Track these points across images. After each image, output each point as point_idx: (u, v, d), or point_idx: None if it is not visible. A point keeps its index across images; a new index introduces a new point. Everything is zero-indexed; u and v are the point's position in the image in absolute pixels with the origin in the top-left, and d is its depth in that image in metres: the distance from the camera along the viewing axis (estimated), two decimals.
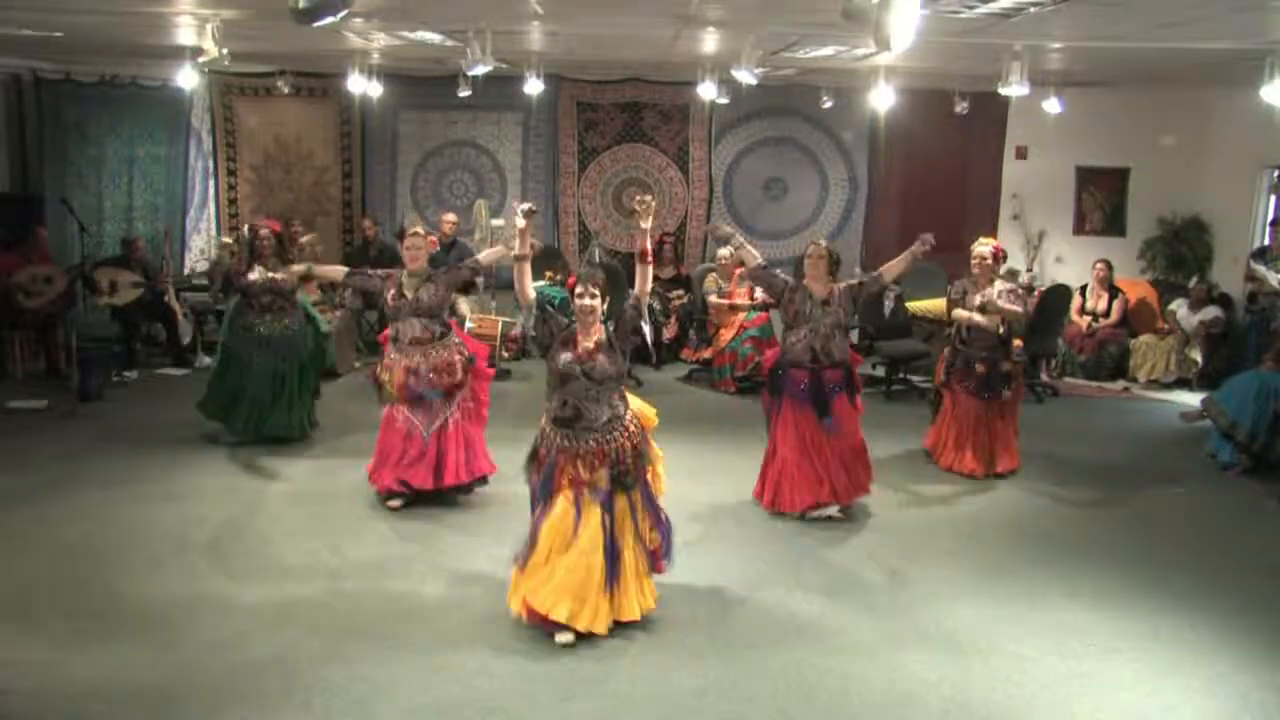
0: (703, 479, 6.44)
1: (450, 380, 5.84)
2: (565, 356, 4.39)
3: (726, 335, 9.34)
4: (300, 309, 7.24)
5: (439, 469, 5.79)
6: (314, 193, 11.22)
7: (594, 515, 4.31)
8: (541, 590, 4.28)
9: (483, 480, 5.98)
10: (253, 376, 6.99)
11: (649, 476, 4.50)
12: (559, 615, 4.23)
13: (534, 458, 4.51)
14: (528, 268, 4.70)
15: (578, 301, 4.41)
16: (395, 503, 5.84)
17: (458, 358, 5.91)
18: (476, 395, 6.03)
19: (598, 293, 4.40)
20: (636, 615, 4.40)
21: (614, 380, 4.41)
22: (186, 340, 9.86)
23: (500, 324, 9.53)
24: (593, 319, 4.41)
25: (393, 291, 5.88)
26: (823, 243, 5.89)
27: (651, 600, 4.51)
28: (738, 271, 8.99)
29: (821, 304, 5.77)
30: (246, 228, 7.19)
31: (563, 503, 4.33)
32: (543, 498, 4.42)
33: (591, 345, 4.38)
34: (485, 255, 6.16)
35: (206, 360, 9.81)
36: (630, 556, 4.41)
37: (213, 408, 7.14)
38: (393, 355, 5.87)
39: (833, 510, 5.80)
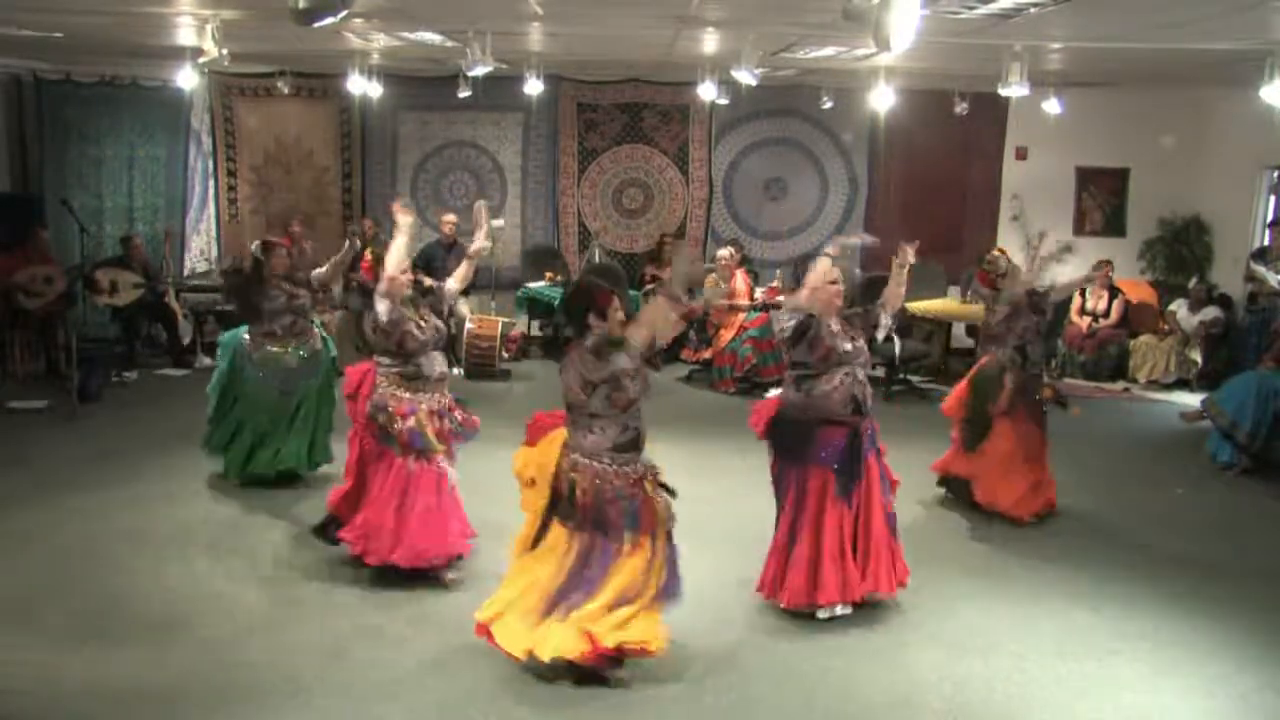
0: (701, 479, 6.42)
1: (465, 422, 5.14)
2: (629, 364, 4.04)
3: (726, 336, 9.35)
4: (319, 331, 6.53)
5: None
6: (314, 193, 11.21)
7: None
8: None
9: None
10: (267, 407, 6.21)
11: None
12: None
13: (572, 504, 4.07)
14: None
15: (616, 316, 4.09)
16: (451, 575, 5.02)
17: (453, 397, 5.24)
18: None
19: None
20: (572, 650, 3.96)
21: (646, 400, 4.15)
22: (186, 341, 9.87)
23: (500, 324, 9.53)
24: None
25: (413, 319, 5.02)
26: (837, 270, 4.79)
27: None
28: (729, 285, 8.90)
29: (851, 340, 4.73)
30: (258, 245, 6.41)
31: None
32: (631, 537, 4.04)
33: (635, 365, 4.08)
34: (451, 287, 5.45)
35: (207, 361, 9.81)
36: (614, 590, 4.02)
37: (217, 440, 6.30)
38: (406, 395, 4.96)
39: (846, 610, 4.72)
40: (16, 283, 8.82)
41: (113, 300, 9.33)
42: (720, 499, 6.11)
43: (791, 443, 4.67)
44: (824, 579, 4.59)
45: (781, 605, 4.69)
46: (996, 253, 6.48)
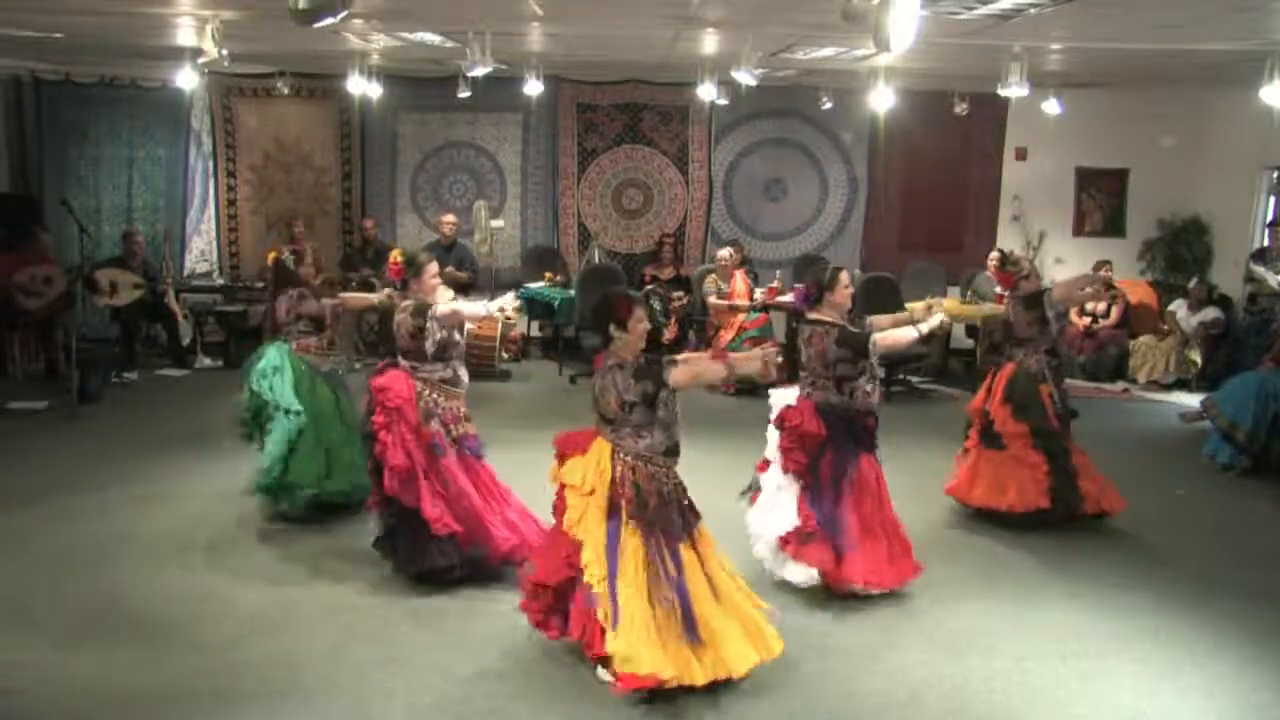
0: (701, 479, 6.41)
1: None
2: (665, 393, 4.11)
3: (726, 336, 9.34)
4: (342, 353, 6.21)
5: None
6: (314, 193, 11.21)
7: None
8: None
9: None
10: (331, 420, 5.79)
11: None
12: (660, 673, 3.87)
13: (644, 504, 4.07)
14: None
15: (639, 327, 4.13)
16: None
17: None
18: None
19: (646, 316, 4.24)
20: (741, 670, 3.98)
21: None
22: (186, 341, 9.87)
23: (500, 325, 9.53)
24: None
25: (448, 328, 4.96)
26: (848, 275, 5.13)
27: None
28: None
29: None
30: (288, 251, 6.12)
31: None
32: (678, 537, 4.10)
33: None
34: (471, 311, 5.12)
35: (206, 361, 9.84)
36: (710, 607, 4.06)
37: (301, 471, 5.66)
38: (447, 402, 4.97)
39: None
40: (16, 283, 8.81)
41: (113, 300, 9.34)
42: (719, 499, 6.09)
43: (843, 435, 4.94)
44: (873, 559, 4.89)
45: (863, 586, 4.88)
46: (1018, 256, 6.43)
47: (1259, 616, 4.84)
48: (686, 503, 4.21)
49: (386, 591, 4.88)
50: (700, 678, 3.91)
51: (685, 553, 4.10)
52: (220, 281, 10.79)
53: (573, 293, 9.87)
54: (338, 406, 5.89)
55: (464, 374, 5.10)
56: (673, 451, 4.20)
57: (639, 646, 3.85)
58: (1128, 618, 4.82)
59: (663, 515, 4.08)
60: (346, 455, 5.72)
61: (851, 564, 4.83)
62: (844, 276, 5.06)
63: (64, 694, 3.93)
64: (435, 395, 4.93)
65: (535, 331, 10.87)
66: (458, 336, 5.04)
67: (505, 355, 9.86)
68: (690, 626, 3.97)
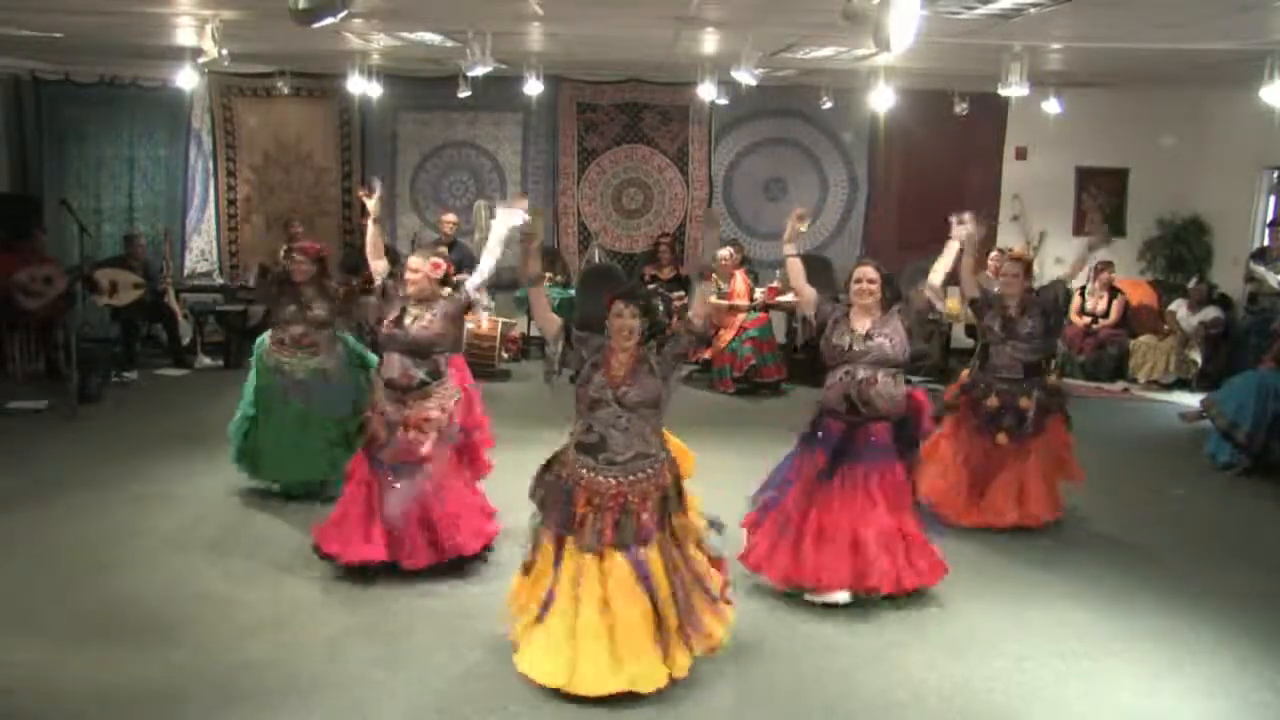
0: (702, 480, 6.39)
1: (417, 445, 4.90)
2: (597, 380, 4.05)
3: (726, 336, 9.35)
4: (344, 347, 6.11)
5: (410, 546, 4.91)
6: (314, 193, 11.20)
7: (617, 565, 3.96)
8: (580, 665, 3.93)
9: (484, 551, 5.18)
10: (279, 414, 5.96)
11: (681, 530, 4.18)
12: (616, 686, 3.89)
13: (545, 481, 4.16)
14: (542, 292, 4.39)
15: (617, 321, 4.07)
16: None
17: (436, 413, 4.96)
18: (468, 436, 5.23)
19: (639, 313, 4.08)
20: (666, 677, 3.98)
21: (648, 407, 4.06)
22: (186, 341, 9.87)
23: (500, 324, 9.53)
24: (632, 341, 4.09)
25: (394, 315, 4.97)
26: (871, 269, 4.90)
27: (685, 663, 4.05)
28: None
29: (863, 338, 4.78)
30: (282, 250, 6.21)
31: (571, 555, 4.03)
32: (557, 527, 4.06)
33: (626, 369, 4.06)
34: (471, 284, 5.18)
35: (206, 361, 9.84)
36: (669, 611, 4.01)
37: (246, 462, 6.15)
38: (382, 398, 5.01)
39: (839, 598, 4.76)
40: (17, 282, 8.81)
41: (112, 300, 9.33)
42: (718, 500, 6.08)
43: (812, 431, 4.95)
44: (805, 559, 4.77)
45: (772, 579, 4.91)
46: (1017, 251, 6.54)
47: (1259, 616, 4.85)
48: (595, 514, 3.99)
49: (385, 592, 4.87)
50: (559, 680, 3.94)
51: (567, 549, 4.04)
52: (220, 281, 10.78)
53: (572, 292, 9.87)
54: (280, 406, 5.97)
55: (398, 369, 4.92)
56: (585, 450, 4.05)
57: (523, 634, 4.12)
58: (1128, 618, 4.82)
59: (547, 501, 4.11)
60: (292, 454, 5.95)
61: (789, 557, 4.84)
62: (856, 271, 4.94)
63: (63, 694, 3.93)
64: (382, 390, 5.04)
65: (535, 331, 10.86)
66: (389, 321, 4.95)
67: (505, 355, 9.86)
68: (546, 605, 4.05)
